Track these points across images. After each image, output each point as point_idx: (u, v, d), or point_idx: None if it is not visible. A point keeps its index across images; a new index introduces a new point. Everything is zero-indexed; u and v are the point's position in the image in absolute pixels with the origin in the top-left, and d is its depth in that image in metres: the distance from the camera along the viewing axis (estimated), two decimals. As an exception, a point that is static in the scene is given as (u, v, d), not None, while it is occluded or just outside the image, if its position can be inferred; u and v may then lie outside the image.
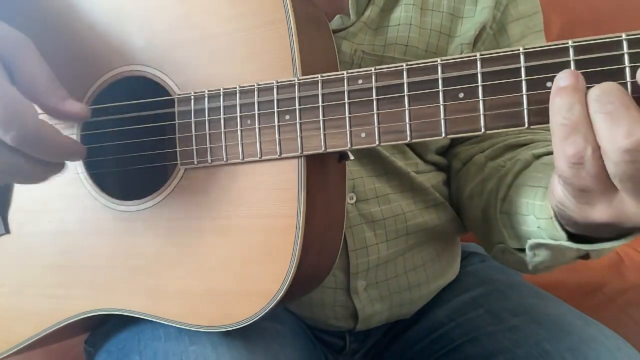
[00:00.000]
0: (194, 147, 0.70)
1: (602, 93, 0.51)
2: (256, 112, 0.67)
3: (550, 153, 0.80)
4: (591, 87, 0.53)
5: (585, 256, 0.72)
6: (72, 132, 0.76)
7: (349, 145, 0.64)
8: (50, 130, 0.64)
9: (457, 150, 0.95)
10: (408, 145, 0.91)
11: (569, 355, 0.81)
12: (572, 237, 0.65)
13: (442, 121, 0.60)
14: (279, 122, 0.66)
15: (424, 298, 0.98)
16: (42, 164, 0.66)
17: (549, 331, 0.86)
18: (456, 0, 0.89)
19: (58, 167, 0.68)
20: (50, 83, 0.67)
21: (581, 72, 0.54)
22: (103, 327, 0.84)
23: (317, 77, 0.64)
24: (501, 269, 1.08)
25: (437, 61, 0.60)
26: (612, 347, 0.81)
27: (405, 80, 0.61)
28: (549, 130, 0.87)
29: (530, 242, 0.72)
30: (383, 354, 1.01)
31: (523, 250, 0.77)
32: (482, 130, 0.58)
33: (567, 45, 0.55)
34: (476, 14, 0.89)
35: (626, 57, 0.53)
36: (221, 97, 0.68)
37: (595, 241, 0.64)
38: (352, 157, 0.70)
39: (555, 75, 0.55)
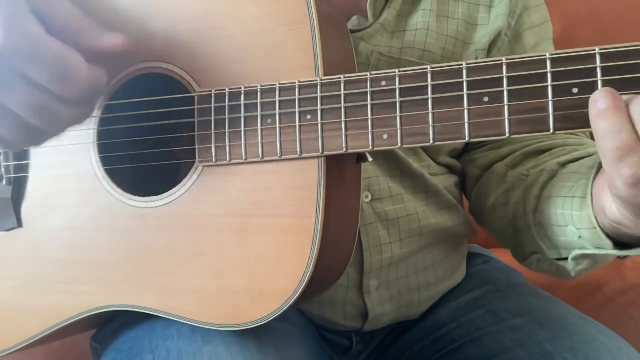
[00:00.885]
0: (213, 145, 0.69)
1: None
2: (277, 111, 0.66)
3: (574, 160, 0.81)
4: (624, 94, 0.53)
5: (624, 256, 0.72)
6: (89, 127, 0.75)
7: (370, 147, 0.64)
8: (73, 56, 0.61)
9: (474, 156, 0.96)
10: (422, 147, 0.91)
11: (570, 355, 0.82)
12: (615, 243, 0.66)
13: (466, 125, 0.60)
14: (300, 121, 0.66)
15: (431, 299, 0.99)
16: (67, 103, 0.63)
17: (549, 331, 0.86)
18: (470, 8, 0.90)
19: (83, 111, 0.66)
20: (82, 22, 0.64)
21: (608, 79, 0.54)
22: (111, 324, 0.83)
23: (340, 77, 0.64)
24: (502, 270, 1.09)
25: (462, 64, 0.60)
26: (613, 347, 0.82)
27: (429, 82, 0.61)
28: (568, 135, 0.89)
29: (574, 253, 0.73)
30: (385, 353, 1.02)
31: (561, 259, 0.77)
32: (507, 134, 0.59)
33: (594, 51, 0.55)
34: (490, 21, 0.90)
35: (654, 65, 0.53)
36: (242, 95, 0.68)
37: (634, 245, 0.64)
38: (370, 159, 0.70)
39: (581, 82, 0.55)
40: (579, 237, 0.70)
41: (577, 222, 0.70)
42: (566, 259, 0.77)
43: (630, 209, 0.56)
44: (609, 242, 0.66)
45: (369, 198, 0.88)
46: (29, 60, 0.59)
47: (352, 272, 0.89)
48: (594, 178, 0.66)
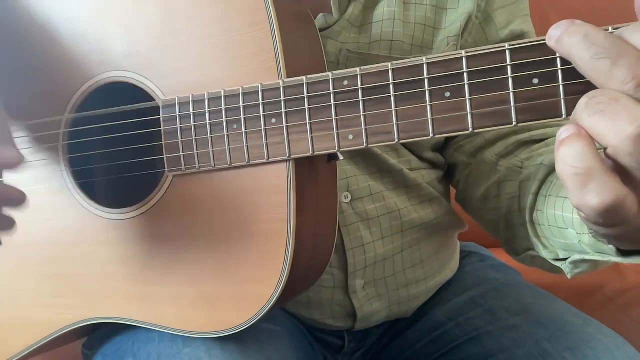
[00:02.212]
0: (181, 154, 0.69)
1: (589, 98, 0.48)
2: (242, 116, 0.66)
3: None
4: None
5: None
6: (56, 142, 0.75)
7: (336, 148, 0.63)
8: None
9: (460, 143, 0.94)
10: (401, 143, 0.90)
11: (568, 354, 0.81)
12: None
13: (429, 121, 0.59)
14: (265, 125, 0.65)
15: (422, 296, 0.98)
16: None
17: (548, 330, 0.85)
18: None
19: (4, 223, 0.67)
20: None
21: (567, 68, 0.53)
22: (100, 330, 0.84)
23: (302, 79, 0.63)
24: (499, 269, 1.07)
25: (422, 60, 0.59)
26: (611, 346, 0.81)
27: (390, 80, 0.60)
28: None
29: (573, 257, 0.71)
30: (382, 353, 1.01)
31: (558, 259, 0.75)
32: (470, 129, 0.57)
33: (552, 41, 0.54)
34: (460, 4, 0.88)
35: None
36: (206, 101, 0.67)
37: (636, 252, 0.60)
38: (341, 157, 0.70)
39: (541, 72, 0.54)
40: (579, 241, 0.68)
41: (578, 227, 0.67)
42: (563, 259, 0.75)
43: (609, 232, 0.51)
44: (612, 248, 0.61)
45: (349, 198, 0.87)
46: None
47: (337, 273, 0.88)
48: None
